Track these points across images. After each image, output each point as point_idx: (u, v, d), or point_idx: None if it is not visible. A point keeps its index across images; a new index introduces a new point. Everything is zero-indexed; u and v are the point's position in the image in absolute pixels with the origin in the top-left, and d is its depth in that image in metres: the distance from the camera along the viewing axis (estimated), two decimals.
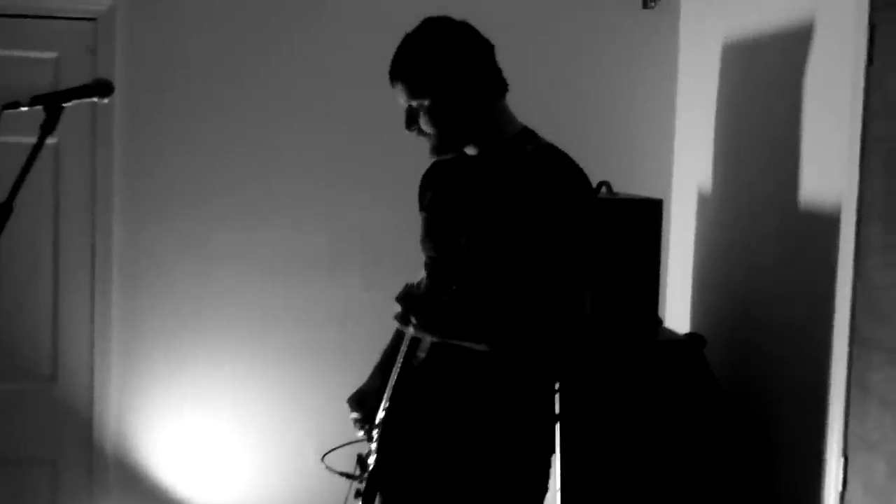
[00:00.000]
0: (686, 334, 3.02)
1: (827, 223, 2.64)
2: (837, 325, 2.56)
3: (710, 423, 2.87)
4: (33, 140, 1.93)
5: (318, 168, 3.62)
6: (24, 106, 1.98)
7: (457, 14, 2.18)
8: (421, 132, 2.14)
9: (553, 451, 2.22)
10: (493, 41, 3.65)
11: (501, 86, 2.23)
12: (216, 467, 3.62)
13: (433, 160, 2.27)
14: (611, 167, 3.50)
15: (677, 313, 3.66)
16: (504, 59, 3.66)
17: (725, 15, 3.37)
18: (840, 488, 2.52)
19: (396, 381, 2.15)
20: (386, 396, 2.16)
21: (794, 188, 2.85)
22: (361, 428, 2.28)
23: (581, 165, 2.16)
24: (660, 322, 3.02)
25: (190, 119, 3.56)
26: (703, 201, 3.52)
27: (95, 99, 2.10)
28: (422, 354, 2.16)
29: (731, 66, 3.34)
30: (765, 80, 3.10)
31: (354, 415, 2.30)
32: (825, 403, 2.61)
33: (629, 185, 3.43)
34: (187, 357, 3.59)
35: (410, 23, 2.23)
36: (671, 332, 3.07)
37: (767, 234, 3.04)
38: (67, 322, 3.57)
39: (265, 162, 3.58)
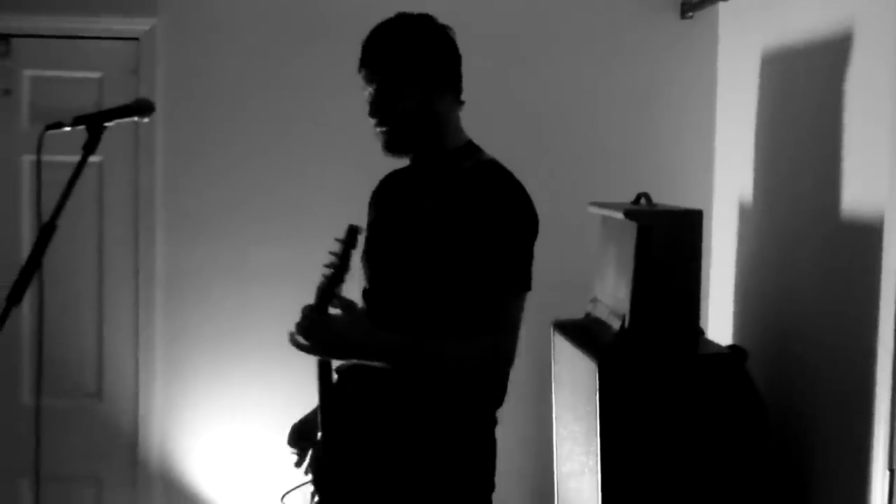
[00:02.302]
0: (728, 346, 2.99)
1: (869, 233, 2.61)
2: (882, 335, 2.52)
3: (751, 436, 2.84)
4: (76, 159, 1.97)
5: (361, 187, 3.62)
6: (66, 126, 2.02)
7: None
8: (381, 123, 2.10)
9: (492, 488, 2.15)
10: (532, 55, 3.68)
11: (458, 94, 2.19)
12: (261, 483, 3.64)
13: (390, 156, 2.20)
14: (651, 179, 3.50)
15: (719, 325, 3.63)
16: (543, 72, 3.70)
17: (764, 25, 3.35)
18: (886, 502, 2.48)
19: (322, 411, 2.09)
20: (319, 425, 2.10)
21: (836, 198, 2.82)
22: (298, 465, 2.23)
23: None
24: (701, 334, 2.99)
25: (231, 137, 3.61)
26: (744, 212, 3.50)
27: (136, 118, 2.14)
28: (351, 384, 2.13)
29: (770, 76, 3.32)
30: (805, 90, 3.08)
31: (293, 450, 2.24)
32: (870, 416, 2.57)
33: (670, 196, 3.42)
34: (231, 373, 3.62)
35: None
36: (713, 345, 3.05)
37: (809, 245, 3.01)
38: (112, 339, 3.62)
39: (307, 180, 3.61)
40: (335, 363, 2.12)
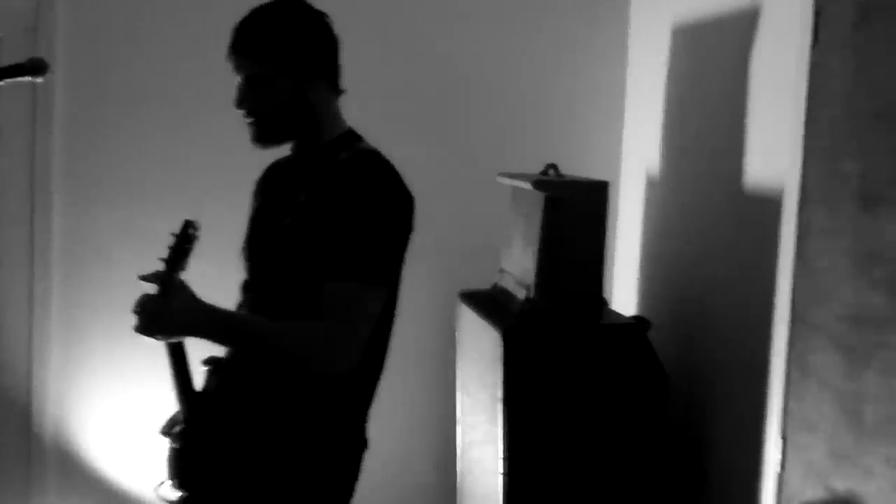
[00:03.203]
0: (631, 317, 3.03)
1: (770, 206, 2.66)
2: (779, 307, 2.58)
3: (652, 405, 2.89)
4: None
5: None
6: None
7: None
8: (250, 113, 2.04)
9: (356, 479, 2.11)
10: (441, 24, 3.64)
11: (335, 83, 2.10)
12: (157, 457, 3.57)
13: (259, 148, 2.13)
14: (560, 150, 3.52)
15: (625, 296, 3.68)
16: (451, 42, 3.68)
17: None
18: (778, 469, 2.54)
19: (189, 405, 2.04)
20: (181, 419, 2.05)
21: (740, 171, 2.87)
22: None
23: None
24: (605, 304, 3.02)
25: (133, 101, 3.50)
26: (650, 184, 3.54)
27: (29, 78, 2.05)
28: (215, 380, 2.08)
29: (680, 49, 3.35)
30: (713, 64, 3.12)
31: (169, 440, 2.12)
32: (765, 385, 2.63)
33: (578, 168, 3.44)
34: (129, 345, 3.50)
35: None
36: (617, 315, 3.08)
37: (713, 217, 3.06)
38: (5, 309, 3.51)
39: (211, 145, 3.53)
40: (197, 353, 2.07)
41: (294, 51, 2.00)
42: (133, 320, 1.90)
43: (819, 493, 2.38)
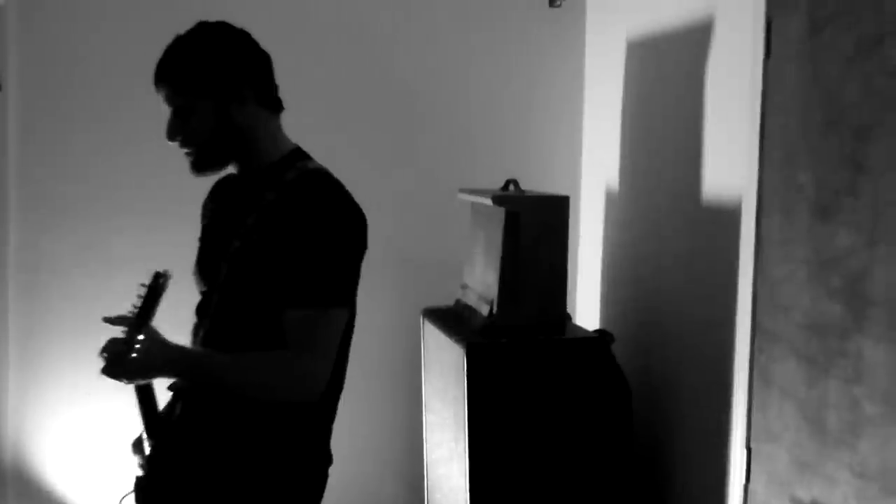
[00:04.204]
0: (594, 331, 3.02)
1: (729, 217, 2.67)
2: (740, 317, 2.59)
3: (615, 418, 2.88)
4: None
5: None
6: None
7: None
8: (183, 144, 2.00)
9: (322, 495, 2.09)
10: (403, 42, 3.63)
11: (272, 101, 2.06)
12: (118, 477, 3.52)
13: (198, 177, 2.07)
14: (520, 165, 3.53)
15: (588, 310, 3.68)
16: (413, 59, 3.68)
17: (630, 12, 3.40)
18: (744, 480, 2.54)
19: (153, 433, 2.02)
20: (146, 446, 2.04)
21: (698, 183, 2.88)
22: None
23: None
24: (568, 318, 3.02)
25: (88, 118, 3.46)
26: (610, 198, 3.55)
27: None
28: (179, 404, 2.05)
29: (636, 64, 3.37)
30: (668, 77, 3.13)
31: (138, 458, 2.09)
32: (729, 396, 2.64)
33: (538, 183, 3.45)
34: (87, 364, 3.45)
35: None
36: (580, 329, 3.08)
37: (673, 229, 3.07)
38: None
39: (167, 162, 3.46)
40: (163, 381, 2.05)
41: (207, 73, 1.96)
42: (99, 362, 1.89)
43: (784, 503, 2.38)
